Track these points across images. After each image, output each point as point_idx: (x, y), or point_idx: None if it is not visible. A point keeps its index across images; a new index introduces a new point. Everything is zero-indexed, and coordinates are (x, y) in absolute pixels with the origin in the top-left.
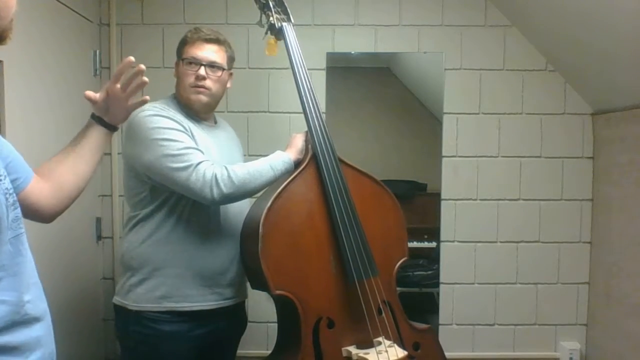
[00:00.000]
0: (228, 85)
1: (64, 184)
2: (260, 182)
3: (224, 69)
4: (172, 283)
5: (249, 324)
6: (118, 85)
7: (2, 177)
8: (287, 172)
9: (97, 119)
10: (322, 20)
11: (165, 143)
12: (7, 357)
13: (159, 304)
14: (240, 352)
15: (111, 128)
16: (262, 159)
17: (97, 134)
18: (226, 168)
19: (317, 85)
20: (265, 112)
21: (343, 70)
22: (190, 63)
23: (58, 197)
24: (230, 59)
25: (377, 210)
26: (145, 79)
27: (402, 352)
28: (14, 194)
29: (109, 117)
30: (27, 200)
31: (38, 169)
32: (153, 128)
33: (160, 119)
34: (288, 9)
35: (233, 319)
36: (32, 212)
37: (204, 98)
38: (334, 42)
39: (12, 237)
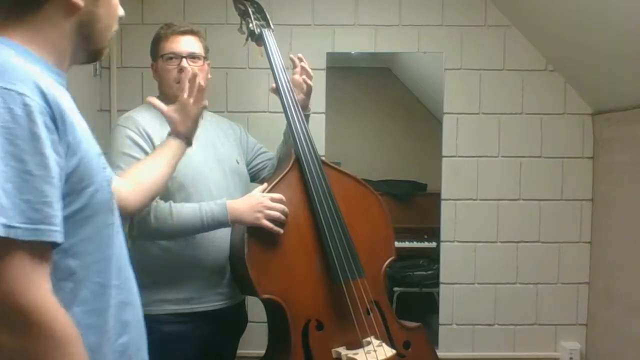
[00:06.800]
0: (209, 76)
1: (142, 179)
2: (185, 232)
3: (204, 58)
4: (174, 289)
5: (249, 323)
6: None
7: (106, 166)
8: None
9: (169, 133)
10: (322, 20)
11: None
12: (96, 337)
13: (161, 306)
14: (240, 352)
15: (179, 135)
16: (197, 209)
17: (168, 142)
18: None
19: (317, 85)
20: (265, 112)
21: (343, 70)
22: (171, 58)
23: (138, 191)
24: (206, 49)
25: (362, 211)
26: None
27: (390, 351)
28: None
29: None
30: None
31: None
32: (119, 149)
33: (127, 142)
34: (267, 16)
35: (234, 318)
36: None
37: None
38: (334, 42)
39: (111, 224)
